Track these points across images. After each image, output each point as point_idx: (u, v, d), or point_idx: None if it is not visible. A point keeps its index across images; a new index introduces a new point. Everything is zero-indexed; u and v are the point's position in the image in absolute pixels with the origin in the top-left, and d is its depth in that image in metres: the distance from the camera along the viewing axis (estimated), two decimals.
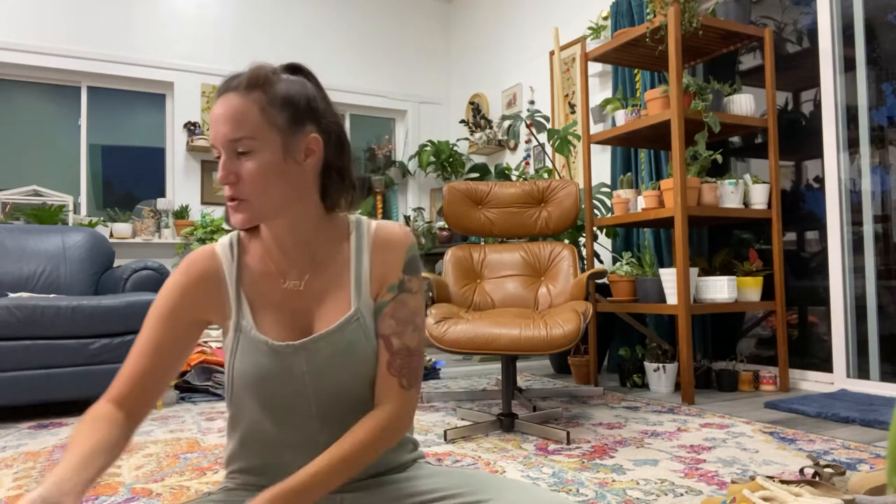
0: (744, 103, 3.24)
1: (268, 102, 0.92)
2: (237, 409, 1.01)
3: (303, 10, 5.72)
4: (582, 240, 3.96)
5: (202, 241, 4.88)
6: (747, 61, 3.67)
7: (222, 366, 3.42)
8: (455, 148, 5.69)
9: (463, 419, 2.66)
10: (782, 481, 1.40)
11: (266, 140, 0.91)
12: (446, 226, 4.53)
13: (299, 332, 0.98)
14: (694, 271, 3.11)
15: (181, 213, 5.09)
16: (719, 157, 3.18)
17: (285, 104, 0.93)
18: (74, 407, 3.08)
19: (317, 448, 0.98)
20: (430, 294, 2.86)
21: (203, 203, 5.25)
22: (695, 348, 3.58)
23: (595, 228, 3.65)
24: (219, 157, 0.92)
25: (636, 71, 3.97)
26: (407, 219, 5.76)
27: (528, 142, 5.17)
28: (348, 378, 0.97)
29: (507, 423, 2.45)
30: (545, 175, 4.29)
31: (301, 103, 0.95)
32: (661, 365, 3.23)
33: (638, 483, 1.78)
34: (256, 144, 0.90)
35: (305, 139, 0.94)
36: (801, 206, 3.39)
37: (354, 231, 1.03)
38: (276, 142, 0.91)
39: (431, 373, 3.82)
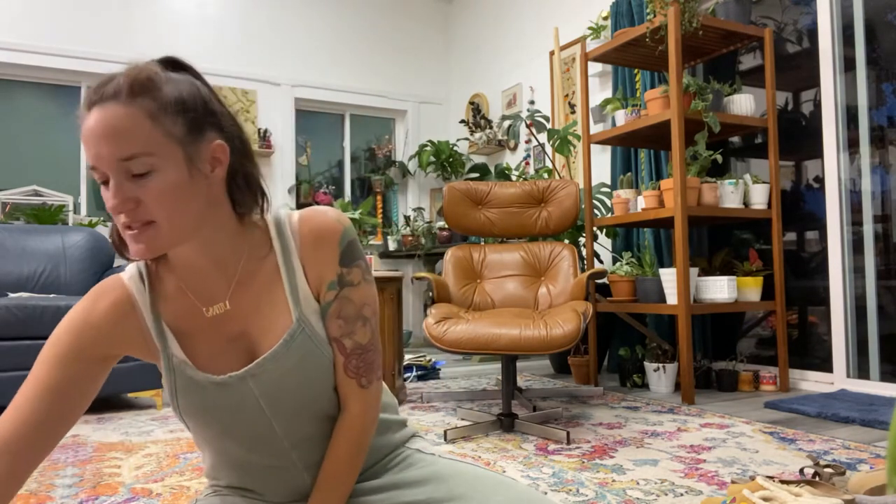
0: (744, 103, 3.24)
1: (158, 109, 0.77)
2: (198, 437, 0.94)
3: (303, 10, 5.72)
4: (582, 240, 3.97)
5: None
6: (747, 61, 3.67)
7: None
8: (455, 148, 5.70)
9: (463, 419, 2.66)
10: (782, 481, 1.40)
11: (165, 154, 0.76)
12: (446, 226, 4.54)
13: (241, 358, 0.88)
14: (694, 271, 3.11)
15: None
16: (719, 157, 3.18)
17: (179, 110, 0.79)
18: None
19: (293, 466, 0.93)
20: (431, 294, 2.86)
21: None
22: (695, 348, 3.58)
23: (595, 228, 3.65)
24: (103, 182, 0.77)
25: (636, 71, 3.97)
26: (407, 219, 5.76)
27: (528, 142, 5.17)
28: (307, 394, 0.89)
29: (507, 423, 2.45)
30: (545, 175, 4.29)
31: (198, 107, 0.82)
32: (661, 365, 3.23)
33: (638, 483, 1.78)
34: (155, 161, 0.76)
35: (209, 147, 0.82)
36: (801, 206, 3.39)
37: (276, 233, 0.90)
38: (176, 154, 0.78)
39: (431, 373, 3.82)
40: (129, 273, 0.89)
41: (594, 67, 4.48)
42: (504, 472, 1.91)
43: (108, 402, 3.19)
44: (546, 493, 1.71)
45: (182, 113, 0.79)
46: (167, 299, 0.88)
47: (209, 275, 0.87)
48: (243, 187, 0.87)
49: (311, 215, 0.90)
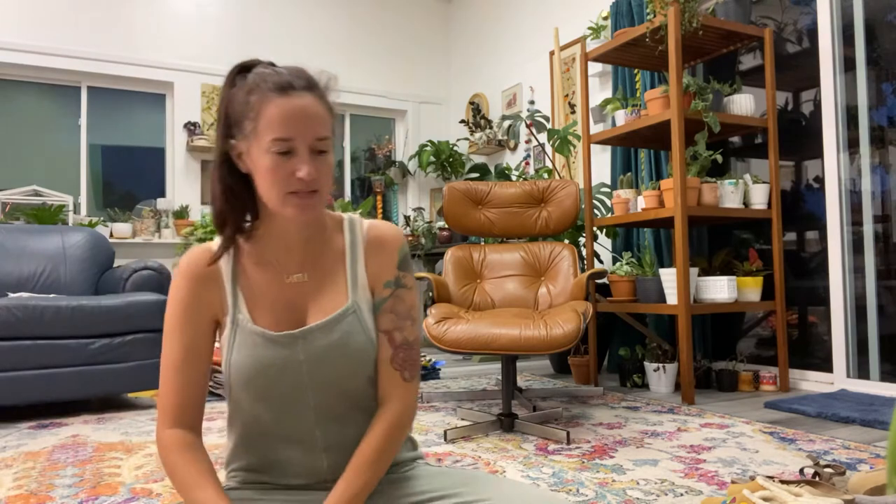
0: (744, 103, 3.24)
1: (330, 108, 0.98)
2: (236, 405, 1.01)
3: (302, 9, 5.72)
4: (582, 240, 3.97)
5: (202, 240, 4.88)
6: (747, 61, 3.67)
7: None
8: (455, 148, 5.69)
9: (463, 419, 2.66)
10: (782, 481, 1.40)
11: (330, 141, 0.96)
12: (446, 226, 4.54)
13: (294, 324, 0.99)
14: (694, 271, 3.11)
15: (181, 213, 5.09)
16: (719, 157, 3.18)
17: (334, 109, 1.00)
18: (74, 407, 3.08)
19: (314, 443, 1.00)
20: (431, 294, 2.86)
21: (203, 203, 5.25)
22: (695, 348, 3.58)
23: (595, 228, 3.65)
24: (284, 152, 0.91)
25: (636, 71, 3.97)
26: (407, 219, 5.76)
27: (528, 142, 5.17)
28: (345, 369, 0.98)
29: (507, 423, 2.45)
30: (545, 175, 4.29)
31: (335, 109, 1.00)
32: (661, 365, 3.24)
33: (638, 483, 1.78)
34: (329, 144, 0.95)
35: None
36: (801, 206, 3.39)
37: (348, 228, 1.06)
38: (332, 142, 0.98)
39: (431, 373, 3.82)
40: (217, 243, 1.01)
41: (594, 67, 4.48)
42: (504, 472, 1.91)
43: (108, 402, 3.19)
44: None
45: (334, 111, 1.00)
46: (245, 265, 1.01)
47: (294, 248, 1.01)
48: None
49: (377, 224, 1.07)
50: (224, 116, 0.98)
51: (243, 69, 1.01)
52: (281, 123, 0.91)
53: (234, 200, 0.98)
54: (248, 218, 1.01)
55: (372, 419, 1.01)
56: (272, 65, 1.01)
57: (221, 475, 1.01)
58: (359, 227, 1.06)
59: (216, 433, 2.48)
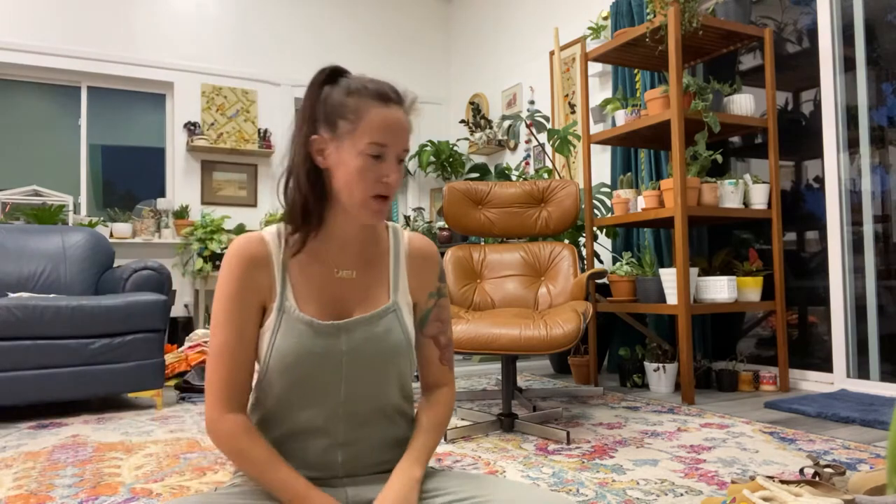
0: (744, 103, 3.24)
1: (411, 125, 1.05)
2: (264, 392, 1.04)
3: (303, 9, 5.72)
4: (582, 240, 3.97)
5: (202, 240, 4.88)
6: (747, 61, 3.67)
7: None
8: (455, 148, 5.69)
9: (463, 419, 2.66)
10: (782, 481, 1.40)
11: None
12: (446, 226, 4.54)
13: (337, 317, 1.04)
14: (694, 271, 3.11)
15: (181, 213, 5.09)
16: (719, 157, 3.18)
17: (412, 127, 1.07)
18: (74, 407, 3.08)
19: (335, 436, 1.03)
20: None
21: (203, 203, 5.25)
22: (695, 348, 3.58)
23: (595, 228, 3.65)
24: (376, 156, 0.98)
25: (636, 71, 3.97)
26: (407, 219, 5.76)
27: (528, 142, 5.17)
28: (381, 363, 1.04)
29: (507, 423, 2.45)
30: (545, 175, 4.29)
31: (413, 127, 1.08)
32: (661, 365, 3.24)
33: (638, 483, 1.78)
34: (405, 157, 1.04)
35: None
36: (801, 206, 3.39)
37: (392, 235, 1.13)
38: None
39: None
40: (269, 231, 1.06)
41: (594, 67, 4.48)
42: (504, 472, 1.91)
43: (108, 402, 3.19)
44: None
45: (411, 128, 1.06)
46: (298, 258, 1.05)
47: (347, 246, 1.07)
48: None
49: (417, 236, 1.16)
50: (310, 112, 1.02)
51: (335, 72, 1.05)
52: (380, 129, 0.98)
53: (320, 192, 1.02)
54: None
55: (391, 428, 1.07)
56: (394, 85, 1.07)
57: (220, 475, 1.01)
58: (401, 235, 1.14)
59: None
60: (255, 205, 5.44)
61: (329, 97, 1.01)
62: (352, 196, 0.99)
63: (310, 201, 1.01)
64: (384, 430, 1.07)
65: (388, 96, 1.00)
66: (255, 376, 1.05)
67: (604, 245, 4.28)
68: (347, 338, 1.02)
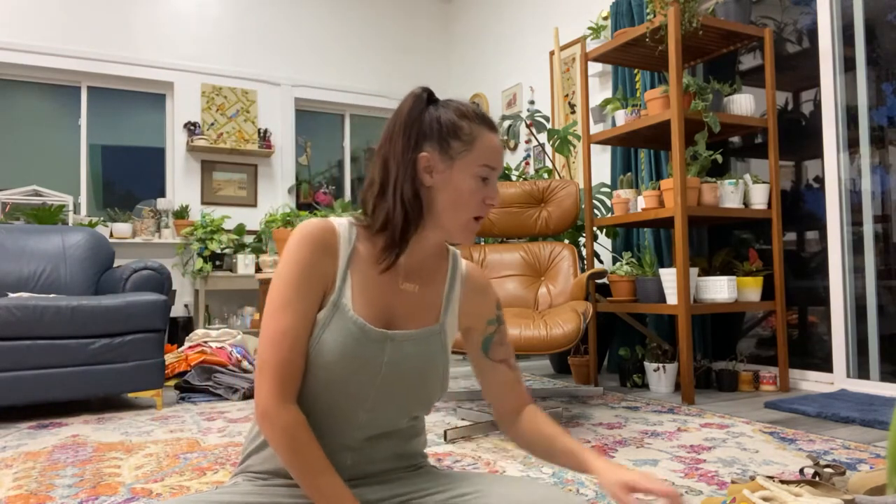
0: (744, 103, 3.24)
1: None
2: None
3: (302, 10, 5.72)
4: (582, 240, 3.97)
5: (202, 241, 4.88)
6: (747, 61, 3.67)
7: (222, 366, 3.42)
8: None
9: (463, 419, 2.66)
10: (782, 481, 1.40)
11: None
12: None
13: (385, 326, 1.03)
14: (694, 271, 3.11)
15: (181, 213, 5.09)
16: (719, 157, 3.18)
17: None
18: (74, 407, 3.08)
19: (350, 441, 1.02)
20: None
21: (203, 203, 5.25)
22: (695, 348, 3.58)
23: (595, 228, 3.65)
24: (484, 179, 1.03)
25: (636, 71, 3.97)
26: None
27: (528, 142, 5.17)
28: (414, 382, 1.04)
29: None
30: (545, 175, 4.29)
31: None
32: (661, 365, 3.23)
33: None
34: None
35: None
36: (801, 206, 3.39)
37: (451, 259, 1.15)
38: None
39: None
40: (340, 223, 1.04)
41: (594, 67, 4.48)
42: (504, 472, 1.91)
43: (108, 402, 3.19)
44: None
45: None
46: (360, 256, 1.04)
47: (417, 262, 1.08)
48: None
49: (473, 265, 1.19)
50: (416, 130, 1.01)
51: (432, 94, 1.06)
52: (492, 154, 1.03)
53: (420, 209, 1.02)
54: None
55: (402, 442, 1.08)
56: None
57: (220, 475, 1.00)
58: (459, 260, 1.16)
59: (216, 433, 2.48)
60: (255, 205, 5.44)
61: (439, 117, 1.02)
62: (456, 216, 1.02)
63: (412, 218, 1.00)
64: (396, 443, 1.07)
65: (493, 123, 1.06)
66: None
67: (604, 245, 4.28)
68: (392, 349, 1.01)
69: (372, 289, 1.03)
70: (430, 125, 1.01)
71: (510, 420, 1.19)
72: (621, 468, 1.02)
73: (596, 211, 3.97)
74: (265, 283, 2.88)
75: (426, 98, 1.04)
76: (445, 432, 2.31)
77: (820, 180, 3.30)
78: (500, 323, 1.18)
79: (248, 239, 5.21)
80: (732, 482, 1.56)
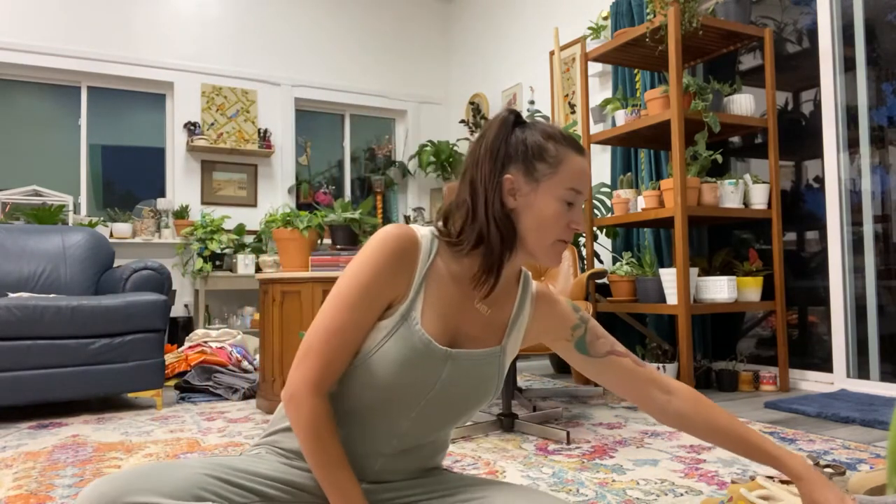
0: (744, 103, 3.24)
1: None
2: (343, 383, 1.01)
3: (302, 10, 5.72)
4: (582, 240, 3.97)
5: (202, 241, 4.88)
6: (747, 61, 3.67)
7: (222, 366, 3.42)
8: (455, 148, 5.69)
9: None
10: (782, 481, 1.40)
11: None
12: None
13: (450, 344, 1.03)
14: (694, 271, 3.11)
15: (181, 213, 5.09)
16: (719, 157, 3.18)
17: None
18: (74, 407, 3.08)
19: (383, 447, 1.02)
20: None
21: (203, 203, 5.25)
22: (695, 348, 3.58)
23: (595, 228, 3.65)
24: (569, 203, 1.01)
25: (636, 71, 3.97)
26: (407, 219, 5.76)
27: None
28: (464, 401, 1.04)
29: (507, 423, 2.45)
30: None
31: None
32: (661, 365, 3.23)
33: (638, 483, 1.78)
34: None
35: None
36: (801, 206, 3.39)
37: (523, 282, 1.14)
38: None
39: None
40: (423, 234, 1.03)
41: (594, 67, 4.48)
42: (504, 472, 1.91)
43: (108, 402, 3.19)
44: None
45: None
46: (437, 269, 1.03)
47: (500, 281, 1.05)
48: None
49: (544, 287, 1.18)
50: (502, 152, 1.01)
51: (519, 116, 1.06)
52: (578, 177, 1.02)
53: (513, 232, 1.01)
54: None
55: (431, 456, 1.09)
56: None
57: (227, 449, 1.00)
58: (530, 282, 1.16)
59: (216, 433, 2.48)
60: (254, 205, 5.44)
61: (525, 139, 1.01)
62: (541, 239, 1.01)
63: (507, 238, 1.00)
64: (426, 457, 1.09)
65: (580, 146, 1.04)
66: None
67: (604, 245, 4.28)
68: (451, 367, 1.01)
69: (444, 306, 1.02)
70: (516, 147, 1.01)
71: (656, 405, 1.17)
72: (826, 486, 1.03)
73: (596, 211, 3.97)
74: (265, 283, 2.88)
75: (513, 121, 1.04)
76: None
77: (820, 180, 3.30)
78: (585, 322, 1.17)
79: (248, 239, 5.20)
80: (732, 482, 1.56)
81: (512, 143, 1.01)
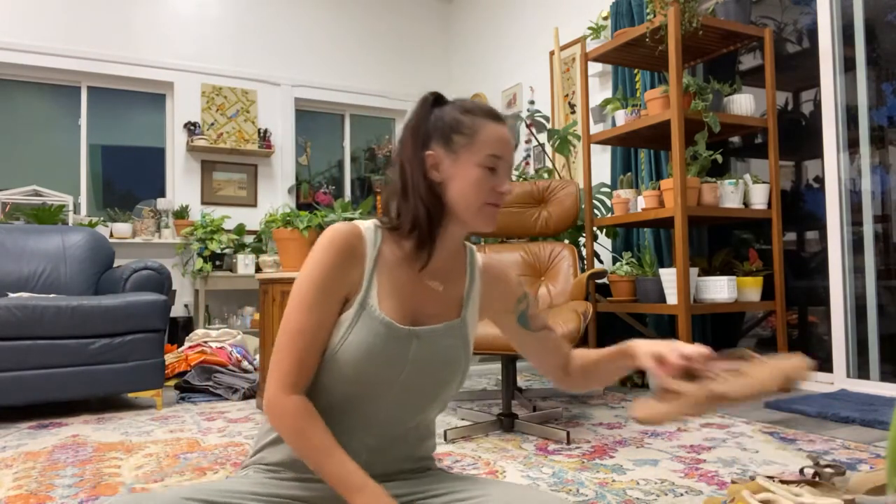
0: (744, 103, 3.24)
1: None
2: (317, 380, 1.03)
3: (302, 10, 5.72)
4: (582, 240, 3.96)
5: (202, 241, 4.88)
6: (747, 61, 3.67)
7: (222, 366, 3.42)
8: None
9: (463, 419, 2.66)
10: (782, 481, 1.40)
11: None
12: None
13: (412, 323, 1.06)
14: (694, 271, 3.11)
15: (181, 213, 5.09)
16: (719, 157, 3.18)
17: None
18: (74, 407, 3.08)
19: (366, 439, 1.04)
20: None
21: (203, 203, 5.25)
22: None
23: (595, 228, 3.65)
24: (491, 169, 1.05)
25: (636, 71, 3.97)
26: None
27: (528, 142, 5.17)
28: (437, 375, 1.07)
29: (507, 423, 2.45)
30: (545, 175, 4.28)
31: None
32: None
33: (638, 483, 1.78)
34: None
35: None
36: (801, 206, 3.39)
37: (469, 254, 1.18)
38: None
39: None
40: (366, 226, 1.08)
41: (594, 67, 4.48)
42: (504, 472, 1.91)
43: (108, 402, 3.19)
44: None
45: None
46: (385, 257, 1.07)
47: (441, 259, 1.10)
48: None
49: (492, 259, 1.23)
50: (422, 131, 1.06)
51: (440, 97, 1.11)
52: (496, 143, 1.05)
53: (440, 204, 1.06)
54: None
55: (417, 445, 1.11)
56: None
57: (220, 475, 1.00)
58: (476, 256, 1.20)
59: (216, 433, 2.48)
60: (255, 205, 5.44)
61: (443, 116, 1.06)
62: (469, 206, 1.05)
63: (434, 214, 1.05)
64: (412, 445, 1.10)
65: (497, 115, 1.08)
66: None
67: (604, 245, 4.28)
68: (417, 345, 1.05)
69: (398, 289, 1.06)
70: (435, 124, 1.06)
71: (564, 373, 1.24)
72: (659, 342, 1.10)
73: (596, 211, 3.97)
74: (265, 283, 2.88)
75: (432, 100, 1.09)
76: (445, 432, 2.31)
77: (820, 180, 3.30)
78: (527, 296, 1.22)
79: (248, 239, 5.20)
80: (732, 482, 1.56)
81: (431, 122, 1.06)
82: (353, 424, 1.04)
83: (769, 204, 3.25)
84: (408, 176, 1.05)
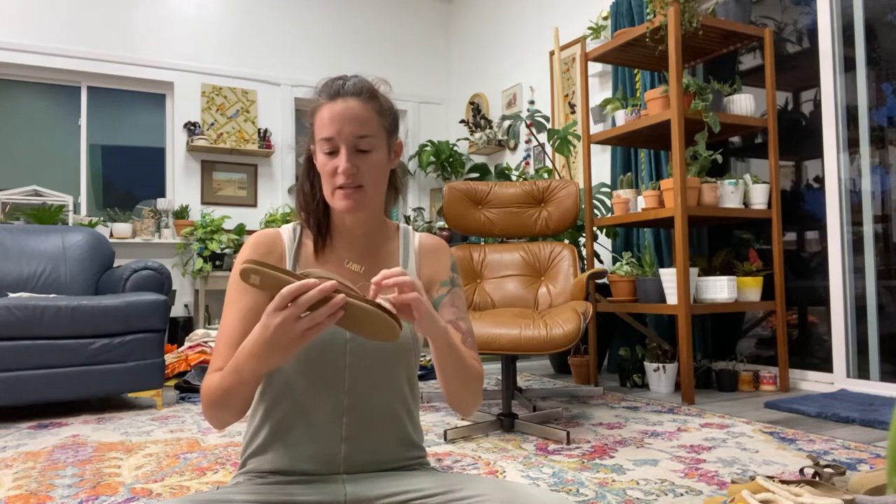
0: (744, 103, 3.24)
1: (379, 111, 1.07)
2: (270, 378, 1.07)
3: (302, 10, 5.72)
4: (582, 240, 3.97)
5: (202, 241, 4.88)
6: (747, 61, 3.67)
7: None
8: (455, 148, 5.69)
9: (463, 419, 2.66)
10: (782, 481, 1.40)
11: (380, 140, 1.07)
12: (446, 226, 4.53)
13: None
14: (694, 271, 3.11)
15: (181, 213, 5.09)
16: (719, 157, 3.18)
17: (388, 113, 1.10)
18: (74, 407, 3.08)
19: (338, 429, 1.05)
20: None
21: (203, 203, 5.25)
22: (695, 348, 3.58)
23: (595, 228, 3.65)
24: (330, 152, 1.03)
25: (636, 71, 3.97)
26: (407, 219, 5.76)
27: (528, 142, 5.17)
28: (384, 356, 1.06)
29: (507, 423, 2.45)
30: (545, 175, 4.28)
31: (395, 113, 1.13)
32: (661, 365, 3.23)
33: (638, 483, 1.78)
34: (375, 143, 1.05)
35: (396, 143, 1.13)
36: (801, 206, 3.39)
37: (402, 235, 1.18)
38: (384, 142, 1.08)
39: (431, 373, 3.82)
40: (286, 228, 1.14)
41: (594, 67, 4.48)
42: (504, 472, 1.91)
43: (108, 402, 3.19)
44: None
45: (389, 115, 1.10)
46: (308, 251, 1.12)
47: (355, 242, 1.13)
48: (397, 182, 1.18)
49: (429, 236, 1.21)
50: (311, 124, 1.09)
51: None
52: (327, 125, 1.03)
53: (319, 195, 1.10)
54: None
55: (396, 428, 1.09)
56: (353, 76, 1.10)
57: (220, 475, 1.00)
58: (411, 235, 1.20)
59: (215, 433, 2.48)
60: (254, 205, 5.44)
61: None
62: (325, 193, 1.07)
63: (311, 205, 1.09)
64: (389, 429, 1.09)
65: (336, 91, 1.04)
66: None
67: (604, 245, 4.28)
68: None
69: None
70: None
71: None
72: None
73: (596, 211, 3.97)
74: None
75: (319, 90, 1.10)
76: (445, 432, 2.31)
77: (820, 180, 3.30)
78: (453, 285, 1.17)
79: None
80: (732, 482, 1.56)
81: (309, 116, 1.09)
82: (319, 419, 1.04)
83: (769, 204, 3.25)
84: (302, 172, 1.12)
